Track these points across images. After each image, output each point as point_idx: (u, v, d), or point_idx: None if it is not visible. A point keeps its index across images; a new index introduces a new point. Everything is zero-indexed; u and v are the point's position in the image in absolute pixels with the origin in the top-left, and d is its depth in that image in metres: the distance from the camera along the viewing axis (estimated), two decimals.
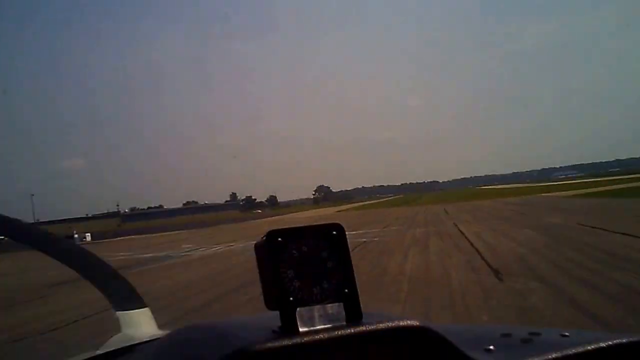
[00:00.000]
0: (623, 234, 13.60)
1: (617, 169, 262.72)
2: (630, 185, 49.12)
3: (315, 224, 0.73)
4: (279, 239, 0.70)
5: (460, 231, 20.49)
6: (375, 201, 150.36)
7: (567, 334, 0.78)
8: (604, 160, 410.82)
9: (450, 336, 0.68)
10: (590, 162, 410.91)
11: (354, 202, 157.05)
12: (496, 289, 8.36)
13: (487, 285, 8.67)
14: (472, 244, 15.21)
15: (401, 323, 0.66)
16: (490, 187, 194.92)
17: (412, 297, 8.49)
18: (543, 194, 55.92)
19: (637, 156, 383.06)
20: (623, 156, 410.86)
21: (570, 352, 0.69)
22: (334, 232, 0.73)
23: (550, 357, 0.68)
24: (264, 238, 0.70)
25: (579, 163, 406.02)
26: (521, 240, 15.03)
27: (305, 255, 0.70)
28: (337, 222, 0.73)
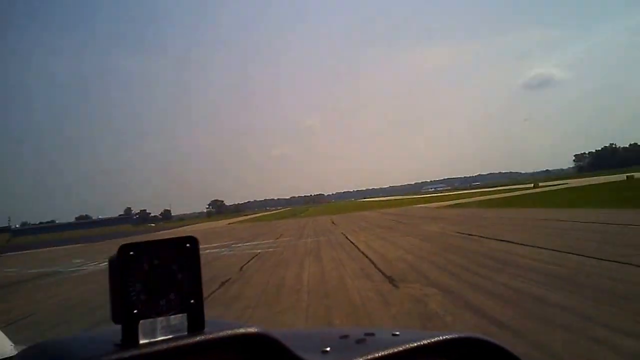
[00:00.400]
0: (497, 240, 14.79)
1: (478, 183, 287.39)
2: (491, 197, 54.36)
3: (172, 237, 0.74)
4: (131, 252, 0.71)
5: (349, 240, 21.03)
6: (265, 213, 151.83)
7: (397, 333, 0.86)
8: (468, 175, 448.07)
9: (289, 341, 0.72)
10: (456, 176, 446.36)
11: (246, 215, 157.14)
12: (394, 295, 8.62)
13: (384, 293, 8.90)
14: (362, 253, 15.64)
15: (239, 331, 0.69)
16: (370, 199, 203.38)
17: (313, 307, 8.47)
18: (417, 205, 59.51)
19: (496, 172, 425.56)
20: (484, 172, 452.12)
21: (396, 350, 0.77)
22: (188, 245, 0.74)
23: (378, 354, 0.75)
24: (117, 252, 0.71)
25: (447, 177, 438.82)
26: (407, 247, 15.74)
27: (156, 268, 0.71)
28: (191, 235, 0.75)
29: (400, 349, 0.77)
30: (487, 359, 0.85)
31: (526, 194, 53.80)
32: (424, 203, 63.28)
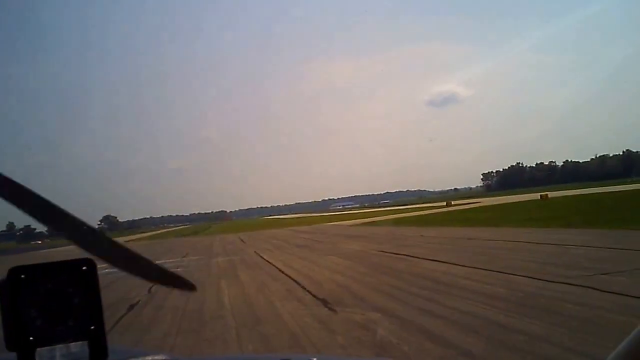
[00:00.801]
0: (421, 258, 14.46)
1: (388, 201, 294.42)
2: (405, 215, 55.09)
3: (65, 259, 0.70)
4: (22, 275, 0.67)
5: (265, 260, 19.93)
6: (164, 231, 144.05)
7: (314, 359, 0.86)
8: (376, 193, 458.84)
9: None
10: (364, 194, 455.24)
11: (143, 232, 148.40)
12: (334, 320, 7.77)
13: (322, 318, 8.03)
14: (283, 273, 14.67)
15: (147, 358, 0.67)
16: (277, 216, 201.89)
17: (245, 335, 7.41)
18: (329, 223, 59.27)
19: (404, 190, 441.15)
20: (392, 189, 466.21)
21: None
22: (84, 268, 0.70)
23: None
24: (7, 275, 0.67)
25: (355, 195, 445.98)
26: (332, 267, 15.00)
27: (50, 292, 0.67)
28: (88, 257, 0.70)
29: None
30: None
31: (440, 212, 54.61)
32: (336, 221, 63.13)
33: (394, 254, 16.79)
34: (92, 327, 0.67)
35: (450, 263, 12.86)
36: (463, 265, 12.20)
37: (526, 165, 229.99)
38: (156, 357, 0.66)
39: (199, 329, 8.22)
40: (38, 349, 0.63)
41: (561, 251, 13.47)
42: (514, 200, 59.77)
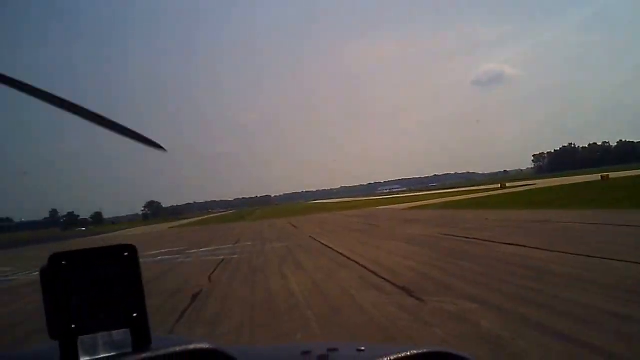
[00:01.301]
0: (497, 242, 13.52)
1: (435, 184, 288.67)
2: (459, 198, 53.07)
3: (108, 245, 0.69)
4: (64, 262, 0.67)
5: (324, 245, 19.36)
6: (209, 216, 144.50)
7: (362, 348, 0.82)
8: (423, 176, 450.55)
9: (245, 358, 0.68)
10: (411, 177, 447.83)
11: (187, 218, 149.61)
12: (425, 311, 7.04)
13: (410, 309, 7.31)
14: (348, 258, 14.03)
15: (190, 346, 0.64)
16: (322, 201, 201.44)
17: (327, 330, 6.77)
18: (379, 207, 58.17)
19: (452, 172, 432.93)
20: (440, 172, 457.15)
21: None
22: (126, 254, 0.69)
23: None
24: (47, 262, 0.67)
25: (402, 178, 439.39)
26: (399, 252, 14.21)
27: (92, 280, 0.67)
28: (129, 243, 0.70)
29: None
30: None
31: (496, 194, 51.86)
32: (385, 204, 61.99)
33: (464, 237, 15.82)
34: (135, 315, 0.66)
35: (531, 247, 11.82)
36: (547, 250, 11.20)
37: (578, 146, 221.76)
38: (199, 345, 0.62)
39: (272, 323, 7.66)
40: (80, 337, 0.62)
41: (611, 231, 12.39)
42: (573, 182, 56.63)
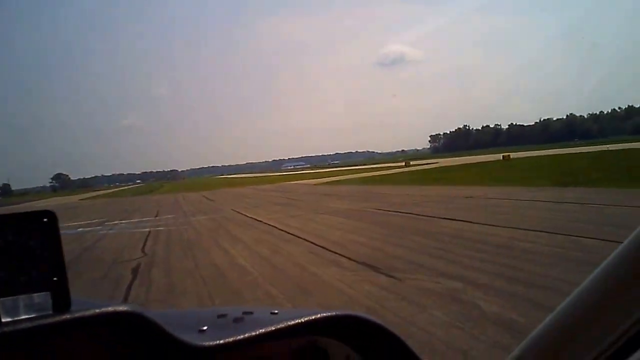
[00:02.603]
0: (436, 217, 13.45)
1: (337, 162, 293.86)
2: (364, 175, 54.28)
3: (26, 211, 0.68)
4: None
5: (253, 218, 18.52)
6: (119, 189, 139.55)
7: (276, 311, 0.83)
8: (326, 153, 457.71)
9: (163, 320, 0.68)
10: (314, 154, 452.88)
11: (97, 190, 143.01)
12: (408, 291, 6.53)
13: (390, 288, 6.78)
14: (287, 232, 13.37)
15: (109, 309, 0.65)
16: (229, 176, 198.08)
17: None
18: (290, 182, 57.86)
19: (353, 151, 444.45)
20: (342, 150, 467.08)
21: (274, 328, 0.74)
22: (45, 219, 0.68)
23: (255, 332, 0.73)
24: None
25: (305, 155, 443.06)
26: (338, 227, 13.75)
27: (11, 243, 0.66)
28: (48, 209, 0.69)
29: (278, 326, 0.76)
30: (367, 338, 0.84)
31: (403, 172, 53.72)
32: (295, 180, 61.91)
33: (399, 212, 15.70)
34: (55, 279, 0.66)
35: (475, 222, 11.78)
36: (495, 225, 11.17)
37: (473, 128, 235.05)
38: (118, 308, 0.63)
39: (239, 300, 6.85)
40: (1, 299, 0.63)
41: (581, 209, 12.81)
42: (477, 161, 59.83)
